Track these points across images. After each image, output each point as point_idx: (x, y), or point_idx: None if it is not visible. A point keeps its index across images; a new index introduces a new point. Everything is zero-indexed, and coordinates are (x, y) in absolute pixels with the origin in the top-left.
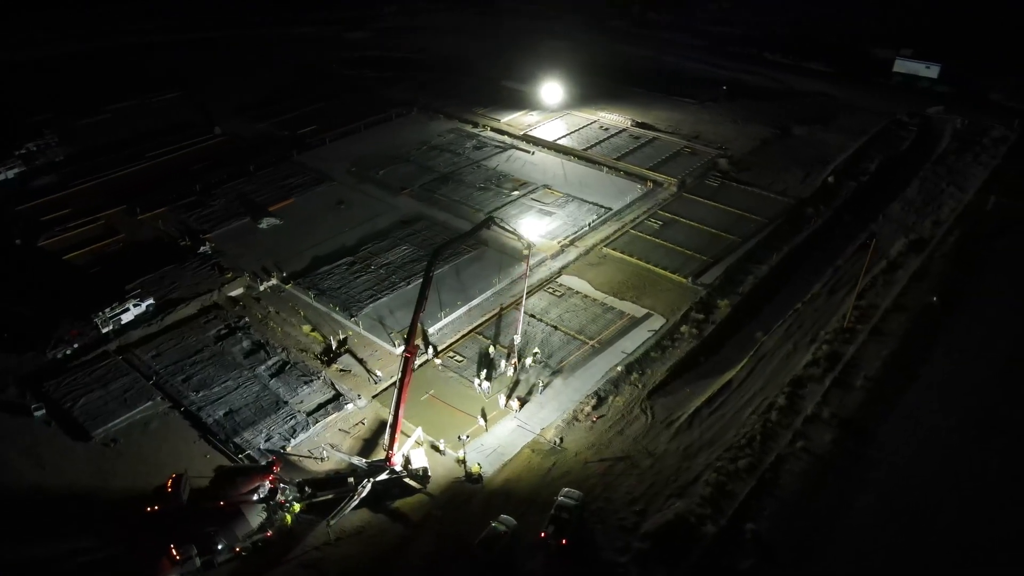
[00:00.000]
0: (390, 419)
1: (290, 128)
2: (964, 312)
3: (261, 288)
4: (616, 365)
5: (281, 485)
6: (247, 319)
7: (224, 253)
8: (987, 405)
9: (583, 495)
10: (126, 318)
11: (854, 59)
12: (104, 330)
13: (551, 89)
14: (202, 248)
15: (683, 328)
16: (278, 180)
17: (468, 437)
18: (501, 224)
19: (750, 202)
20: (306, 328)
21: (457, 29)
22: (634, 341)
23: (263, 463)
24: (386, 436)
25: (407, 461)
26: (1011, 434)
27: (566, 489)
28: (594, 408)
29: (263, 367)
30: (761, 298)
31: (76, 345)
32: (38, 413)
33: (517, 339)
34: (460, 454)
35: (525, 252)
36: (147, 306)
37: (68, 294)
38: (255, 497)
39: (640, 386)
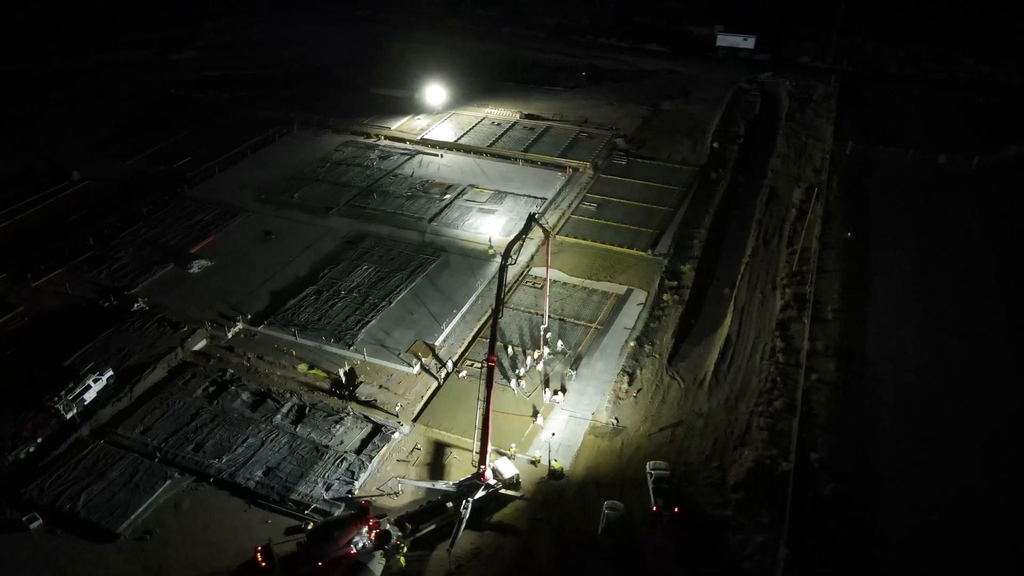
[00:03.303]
0: (478, 434)
1: (163, 162)
2: (874, 242)
3: (229, 336)
4: (627, 341)
5: (386, 526)
6: (231, 370)
7: (164, 306)
8: (930, 313)
9: (668, 464)
10: (89, 397)
11: (678, 38)
12: (68, 415)
13: (430, 91)
14: (136, 305)
15: (665, 296)
16: (182, 219)
17: (554, 435)
18: (538, 221)
19: (661, 174)
20: (302, 367)
21: (293, 41)
22: (630, 317)
23: (339, 511)
24: (475, 452)
25: (496, 472)
26: (953, 332)
27: (652, 462)
28: (630, 384)
29: (279, 416)
30: (711, 258)
31: (39, 439)
32: (34, 525)
33: (546, 331)
34: (535, 454)
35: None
36: (108, 379)
37: None
38: (355, 548)
39: (657, 356)
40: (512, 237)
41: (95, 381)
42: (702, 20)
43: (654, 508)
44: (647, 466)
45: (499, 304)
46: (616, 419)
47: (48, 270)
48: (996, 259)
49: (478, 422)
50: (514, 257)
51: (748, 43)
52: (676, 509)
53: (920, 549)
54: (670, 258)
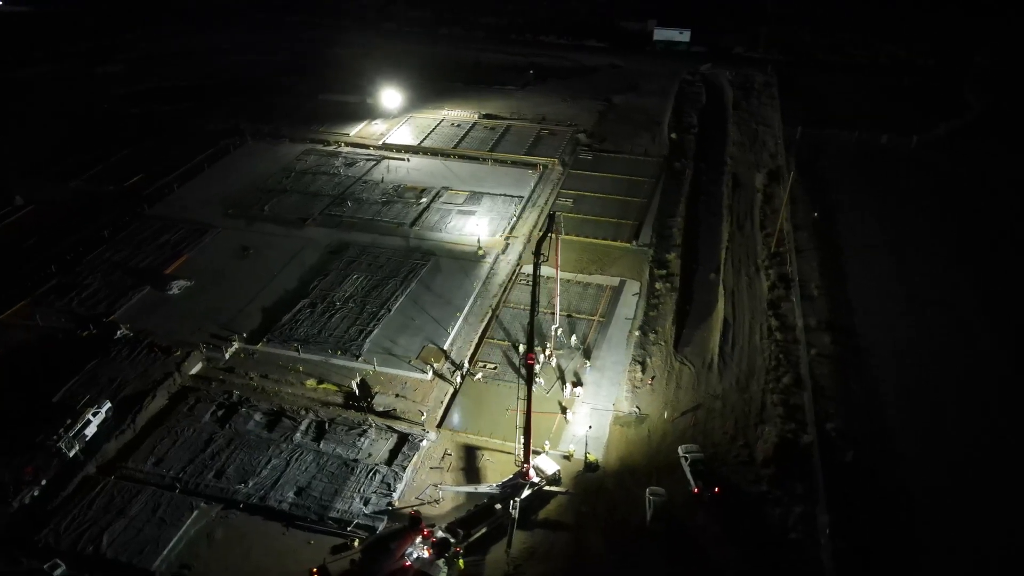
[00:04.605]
0: (520, 433)
1: (112, 181)
2: (839, 220)
3: (227, 356)
4: (631, 331)
5: (440, 534)
6: (237, 392)
7: (150, 331)
8: (904, 282)
9: (698, 446)
10: (90, 432)
11: (614, 33)
12: (71, 452)
13: (384, 95)
14: (119, 332)
15: (657, 285)
16: (148, 240)
17: (591, 428)
18: (557, 220)
19: (628, 166)
20: (311, 382)
21: (226, 49)
22: (628, 307)
23: (382, 524)
24: (519, 451)
25: (538, 470)
26: (928, 299)
27: (684, 446)
28: (643, 372)
29: (298, 434)
30: (691, 245)
31: (43, 482)
32: (58, 572)
33: (557, 329)
34: (570, 448)
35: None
36: (106, 411)
37: None
38: (408, 560)
39: (663, 343)
40: (495, 234)
41: (94, 415)
42: (633, 15)
43: (695, 490)
44: (680, 450)
45: (534, 303)
46: (638, 407)
47: (12, 301)
48: (952, 227)
49: (519, 421)
50: (545, 255)
51: (684, 36)
52: (717, 489)
53: (942, 502)
54: (654, 247)
